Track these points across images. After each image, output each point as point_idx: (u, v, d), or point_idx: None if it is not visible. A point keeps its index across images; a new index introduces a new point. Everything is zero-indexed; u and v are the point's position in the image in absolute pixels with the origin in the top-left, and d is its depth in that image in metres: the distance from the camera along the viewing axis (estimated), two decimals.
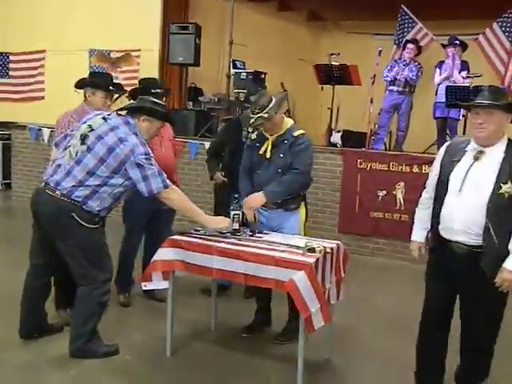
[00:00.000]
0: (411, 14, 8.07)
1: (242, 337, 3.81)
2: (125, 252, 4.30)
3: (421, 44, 7.87)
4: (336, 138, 7.59)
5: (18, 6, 8.33)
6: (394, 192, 6.03)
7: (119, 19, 7.58)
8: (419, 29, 8.08)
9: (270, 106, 3.49)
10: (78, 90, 4.03)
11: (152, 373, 3.29)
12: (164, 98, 4.28)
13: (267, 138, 3.65)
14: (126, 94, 4.30)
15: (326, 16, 10.48)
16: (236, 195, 3.62)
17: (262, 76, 7.75)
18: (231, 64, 7.78)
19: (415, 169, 5.92)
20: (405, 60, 7.47)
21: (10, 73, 8.93)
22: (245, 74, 7.57)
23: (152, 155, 3.23)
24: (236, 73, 7.67)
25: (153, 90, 4.17)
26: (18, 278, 3.62)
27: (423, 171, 5.87)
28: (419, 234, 3.05)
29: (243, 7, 8.30)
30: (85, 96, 3.98)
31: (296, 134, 3.60)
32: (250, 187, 3.73)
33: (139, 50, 7.73)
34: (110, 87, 3.99)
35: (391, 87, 7.48)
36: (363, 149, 6.68)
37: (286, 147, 3.57)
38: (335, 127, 7.70)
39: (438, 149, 7.35)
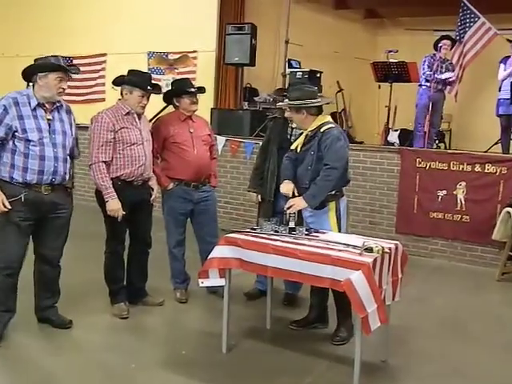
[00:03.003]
0: (473, 8, 7.77)
1: (297, 336, 3.79)
2: (169, 248, 4.38)
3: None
4: (393, 136, 7.48)
5: (79, 12, 8.63)
6: (454, 192, 5.84)
7: (176, 22, 7.72)
8: (482, 23, 7.77)
9: (294, 100, 3.64)
10: (116, 88, 3.96)
11: (208, 368, 3.33)
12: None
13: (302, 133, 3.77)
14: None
15: (383, 13, 10.29)
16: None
17: (318, 75, 7.68)
18: (287, 63, 7.77)
19: (477, 168, 5.71)
20: (441, 57, 7.29)
21: (73, 76, 9.23)
22: (300, 73, 7.52)
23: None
24: (291, 72, 7.64)
25: (187, 89, 4.17)
26: (83, 269, 3.78)
27: (486, 170, 5.67)
28: None
29: (299, 6, 8.27)
30: (121, 94, 3.89)
31: (323, 129, 3.62)
32: (290, 174, 3.78)
33: (196, 52, 7.85)
34: (148, 87, 3.84)
35: (428, 84, 7.24)
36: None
37: (316, 144, 3.61)
38: (392, 126, 7.56)
39: (502, 148, 7.14)
